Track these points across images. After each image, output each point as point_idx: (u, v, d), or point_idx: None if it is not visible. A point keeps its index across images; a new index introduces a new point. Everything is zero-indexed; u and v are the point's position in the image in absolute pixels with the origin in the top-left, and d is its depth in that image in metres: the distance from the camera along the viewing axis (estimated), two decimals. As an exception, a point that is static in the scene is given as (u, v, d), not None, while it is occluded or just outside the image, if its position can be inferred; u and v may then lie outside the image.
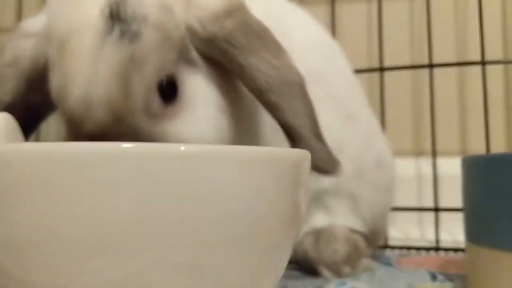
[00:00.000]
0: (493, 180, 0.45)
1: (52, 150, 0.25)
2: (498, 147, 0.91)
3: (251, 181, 0.28)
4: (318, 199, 0.58)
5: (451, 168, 0.75)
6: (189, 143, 0.31)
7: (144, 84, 0.37)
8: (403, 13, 1.01)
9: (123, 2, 0.37)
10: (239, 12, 0.40)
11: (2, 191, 0.25)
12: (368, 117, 0.66)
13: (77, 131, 0.36)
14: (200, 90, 0.40)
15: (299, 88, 0.41)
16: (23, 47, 0.43)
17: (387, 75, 0.90)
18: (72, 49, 0.36)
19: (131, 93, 0.36)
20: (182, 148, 0.26)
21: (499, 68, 0.94)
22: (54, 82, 0.37)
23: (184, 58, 0.40)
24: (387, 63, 0.89)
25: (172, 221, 0.25)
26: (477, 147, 0.91)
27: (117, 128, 0.36)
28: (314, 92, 0.54)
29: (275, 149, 0.31)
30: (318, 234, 0.58)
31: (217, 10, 0.40)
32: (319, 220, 0.59)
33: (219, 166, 0.27)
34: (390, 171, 0.66)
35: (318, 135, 0.42)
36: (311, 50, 0.57)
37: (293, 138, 0.41)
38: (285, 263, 0.33)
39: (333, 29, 0.90)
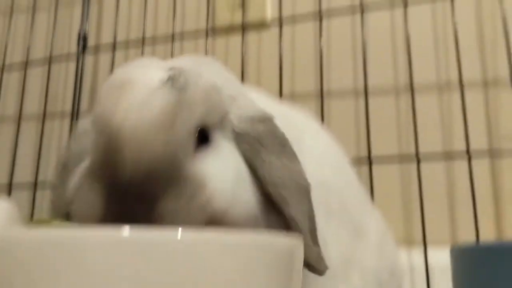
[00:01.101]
0: (482, 270, 0.45)
1: (50, 236, 0.26)
2: (488, 235, 0.91)
3: (246, 268, 0.28)
4: None
5: (442, 258, 0.76)
6: (187, 229, 0.31)
7: (187, 124, 0.41)
8: (389, 107, 1.05)
9: (181, 72, 0.43)
10: (269, 122, 0.48)
11: (3, 275, 0.26)
12: (376, 222, 0.66)
13: (112, 155, 0.38)
14: (226, 149, 0.46)
15: (305, 192, 0.47)
16: (84, 144, 0.47)
17: (375, 166, 0.92)
18: (127, 87, 0.41)
19: (176, 126, 0.40)
20: (179, 235, 0.27)
21: (484, 158, 0.96)
22: (102, 107, 0.40)
23: (221, 128, 0.46)
24: (376, 155, 0.92)
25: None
26: (467, 236, 0.91)
27: (153, 155, 0.38)
28: (329, 203, 0.58)
29: (270, 236, 0.31)
30: None
31: (253, 115, 0.47)
32: None
33: (215, 253, 0.27)
34: (401, 276, 0.66)
35: (314, 236, 0.47)
36: (323, 162, 0.60)
37: (293, 230, 0.45)
38: None
39: (322, 122, 0.93)
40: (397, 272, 0.66)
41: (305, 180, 0.47)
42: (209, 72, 0.47)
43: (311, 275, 0.50)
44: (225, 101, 0.46)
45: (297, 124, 0.62)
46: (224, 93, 0.47)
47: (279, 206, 0.46)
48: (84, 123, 0.49)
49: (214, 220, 0.41)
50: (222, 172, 0.43)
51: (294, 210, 0.45)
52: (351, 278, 0.58)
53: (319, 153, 0.61)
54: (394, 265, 0.65)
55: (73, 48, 1.22)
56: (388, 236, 0.67)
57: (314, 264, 0.45)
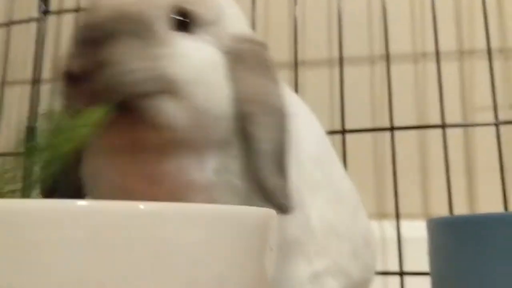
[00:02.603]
0: (459, 242, 0.44)
1: (6, 208, 0.24)
2: (461, 209, 0.92)
3: (212, 242, 0.27)
4: (314, 280, 0.57)
5: (415, 231, 0.75)
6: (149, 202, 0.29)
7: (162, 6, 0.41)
8: (364, 77, 1.04)
9: None
10: (259, 45, 0.47)
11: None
12: (350, 190, 0.66)
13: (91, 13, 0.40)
14: (208, 47, 0.43)
15: (280, 116, 0.43)
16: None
17: (349, 137, 0.91)
18: None
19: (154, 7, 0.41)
20: (142, 206, 0.25)
21: (458, 130, 0.96)
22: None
23: (208, 33, 0.44)
24: (349, 125, 0.91)
25: (130, 283, 0.24)
26: (440, 210, 0.92)
27: (123, 6, 0.40)
28: (316, 176, 0.57)
29: (240, 208, 0.30)
30: None
31: (243, 36, 0.46)
32: None
33: (179, 226, 0.26)
34: (374, 250, 0.66)
35: (281, 167, 0.42)
36: (313, 135, 0.60)
37: (254, 153, 0.41)
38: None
39: (296, 92, 0.91)
40: (372, 244, 0.65)
41: (282, 104, 0.44)
42: None
43: (290, 247, 0.48)
44: (219, 11, 0.45)
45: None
46: (222, 5, 0.46)
47: (243, 125, 0.42)
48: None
49: (172, 91, 0.39)
50: (195, 55, 0.41)
51: (258, 129, 0.41)
52: (329, 248, 0.57)
53: (309, 127, 0.60)
54: (368, 236, 0.65)
55: (34, 11, 1.16)
56: (360, 205, 0.67)
57: (274, 197, 0.41)
